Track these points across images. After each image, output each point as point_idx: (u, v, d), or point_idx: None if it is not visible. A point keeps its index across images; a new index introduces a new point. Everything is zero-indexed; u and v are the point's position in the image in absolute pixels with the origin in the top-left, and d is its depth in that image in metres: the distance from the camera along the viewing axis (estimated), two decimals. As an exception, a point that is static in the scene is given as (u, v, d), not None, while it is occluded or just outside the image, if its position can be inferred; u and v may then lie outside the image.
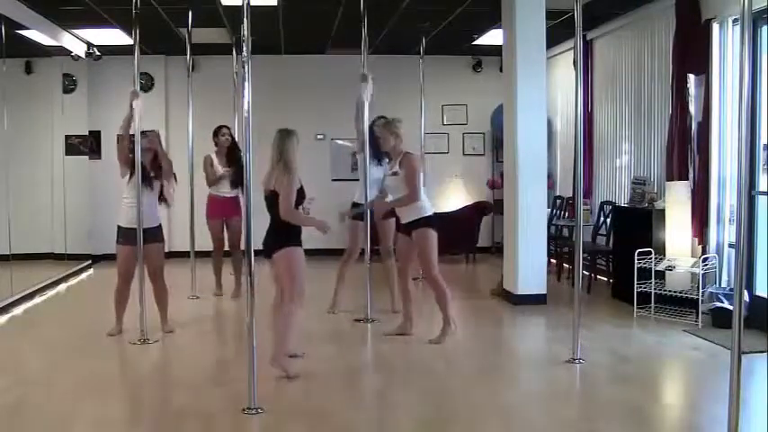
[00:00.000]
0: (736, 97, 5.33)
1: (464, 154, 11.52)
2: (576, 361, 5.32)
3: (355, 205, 7.01)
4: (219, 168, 7.70)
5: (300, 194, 5.05)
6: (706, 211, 6.75)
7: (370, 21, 6.94)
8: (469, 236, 10.56)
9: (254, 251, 4.39)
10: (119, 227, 6.12)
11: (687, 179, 6.87)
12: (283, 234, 5.02)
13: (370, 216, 6.72)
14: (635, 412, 4.40)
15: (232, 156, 7.68)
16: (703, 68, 6.73)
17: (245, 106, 4.38)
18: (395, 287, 7.14)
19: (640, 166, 8.17)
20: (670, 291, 6.68)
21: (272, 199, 4.99)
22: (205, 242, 8.12)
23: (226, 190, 7.73)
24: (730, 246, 6.59)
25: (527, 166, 7.37)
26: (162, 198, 6.24)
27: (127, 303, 6.20)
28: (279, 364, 4.93)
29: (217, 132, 7.78)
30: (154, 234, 6.13)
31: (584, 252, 6.05)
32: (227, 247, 7.86)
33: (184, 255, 8.42)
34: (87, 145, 10.14)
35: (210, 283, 7.97)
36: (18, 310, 7.33)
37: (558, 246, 9.21)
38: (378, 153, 6.76)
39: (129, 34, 6.84)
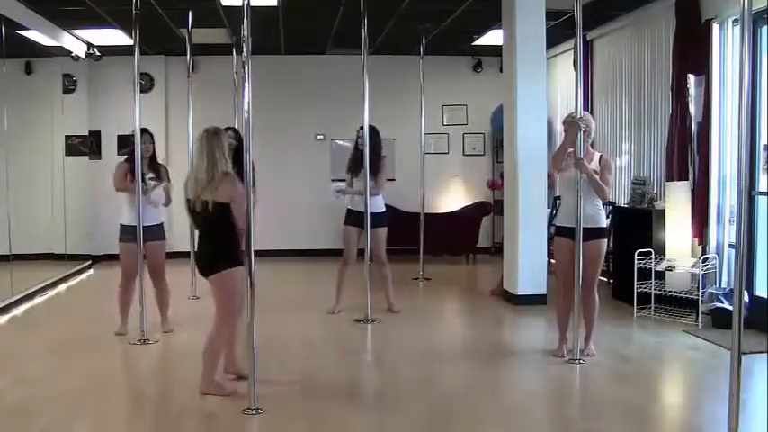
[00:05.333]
0: (736, 97, 5.32)
1: (464, 154, 11.52)
2: (576, 361, 5.32)
3: (350, 212, 7.04)
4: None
5: None
6: (706, 212, 6.75)
7: (370, 21, 6.93)
8: (469, 236, 10.57)
9: (254, 251, 4.40)
10: (121, 225, 6.13)
11: (687, 179, 6.87)
12: (222, 252, 4.60)
13: (368, 222, 6.77)
14: (635, 412, 4.40)
15: (238, 158, 7.63)
16: (703, 68, 6.73)
17: (245, 106, 4.38)
18: (390, 289, 7.18)
19: (640, 166, 8.17)
20: (670, 291, 6.68)
21: (217, 210, 4.52)
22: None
23: None
24: (730, 246, 6.59)
25: (527, 166, 7.37)
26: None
27: (131, 302, 6.19)
28: (210, 389, 4.62)
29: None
30: (155, 232, 6.14)
31: (584, 252, 6.04)
32: None
33: (184, 255, 8.41)
34: (87, 145, 10.14)
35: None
36: (18, 310, 7.33)
37: (558, 246, 9.20)
38: (357, 166, 6.84)
39: (129, 34, 6.84)
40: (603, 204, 5.63)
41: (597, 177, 5.32)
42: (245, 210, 4.44)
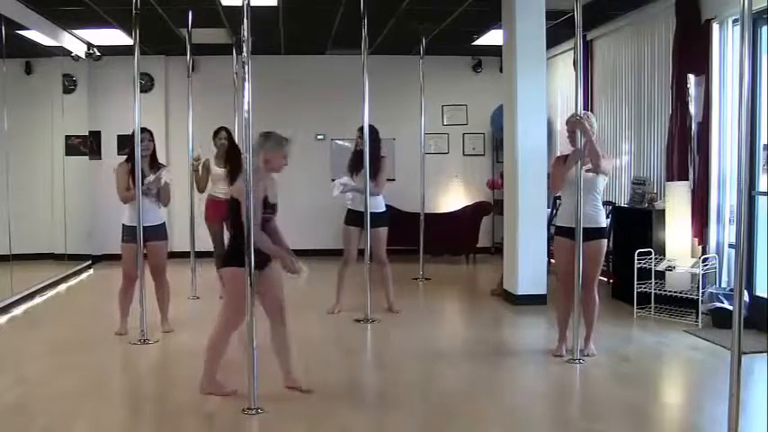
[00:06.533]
0: (736, 97, 5.32)
1: (464, 154, 11.52)
2: (576, 361, 5.32)
3: (350, 212, 7.05)
4: (217, 169, 7.69)
5: (267, 206, 4.55)
6: (706, 211, 6.75)
7: (370, 21, 6.94)
8: (469, 236, 10.57)
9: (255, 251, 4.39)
10: (123, 225, 6.11)
11: (687, 179, 6.87)
12: (234, 248, 4.50)
13: (369, 222, 6.78)
14: (635, 412, 4.40)
15: (230, 157, 7.64)
16: (703, 68, 6.73)
17: (246, 106, 4.38)
18: (390, 289, 7.18)
19: (640, 166, 8.17)
20: (670, 291, 6.68)
21: (232, 205, 4.55)
22: (205, 243, 8.10)
23: (224, 191, 7.69)
24: (730, 246, 6.59)
25: (527, 166, 7.37)
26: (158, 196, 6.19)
27: (132, 302, 6.19)
28: (210, 388, 4.62)
29: (215, 135, 7.77)
30: (157, 231, 6.13)
31: (584, 252, 6.04)
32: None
33: (184, 255, 8.42)
34: (87, 145, 10.14)
35: (210, 284, 7.94)
36: (18, 310, 7.33)
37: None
38: (357, 165, 6.85)
39: (129, 34, 6.84)
40: (603, 204, 5.64)
41: (596, 144, 5.32)
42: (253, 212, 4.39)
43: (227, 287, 4.65)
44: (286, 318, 4.74)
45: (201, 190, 7.80)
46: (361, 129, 6.86)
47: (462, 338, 6.59)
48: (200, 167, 7.72)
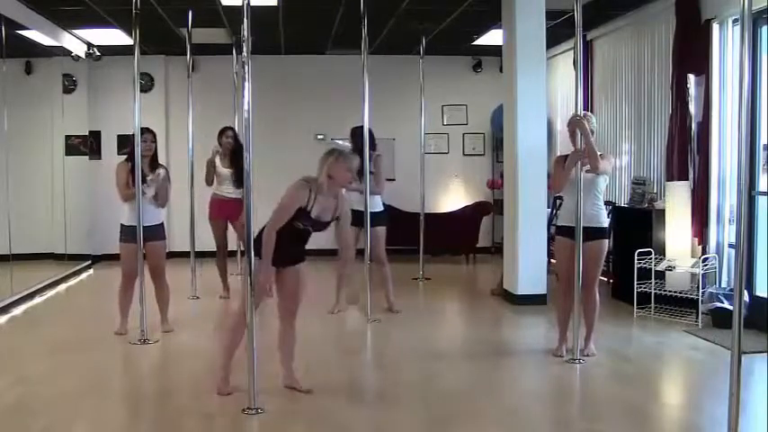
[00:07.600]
0: (736, 97, 5.32)
1: (464, 154, 11.52)
2: (576, 361, 5.32)
3: (354, 212, 7.03)
4: (223, 169, 7.70)
5: (306, 218, 4.56)
6: (706, 211, 6.75)
7: (370, 21, 6.94)
8: (469, 236, 10.57)
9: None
10: (122, 225, 6.11)
11: (687, 179, 6.87)
12: (257, 242, 4.46)
13: (369, 221, 6.78)
14: (635, 412, 4.40)
15: (235, 157, 7.65)
16: (703, 68, 6.73)
17: (246, 106, 4.38)
18: (390, 289, 7.17)
19: (640, 166, 8.17)
20: (670, 291, 6.69)
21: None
22: (205, 243, 8.11)
23: (229, 191, 7.70)
24: (730, 246, 6.59)
25: (527, 166, 7.37)
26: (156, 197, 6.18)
27: (132, 302, 6.18)
28: (217, 374, 4.70)
29: (221, 134, 7.78)
30: (155, 232, 6.13)
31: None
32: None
33: (185, 255, 8.42)
34: (87, 145, 10.14)
35: (210, 284, 7.95)
36: (18, 310, 7.33)
37: (558, 246, 9.20)
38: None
39: (129, 34, 6.84)
40: (604, 204, 5.64)
41: (594, 145, 5.31)
42: (275, 222, 4.41)
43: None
44: (295, 321, 4.75)
45: (208, 183, 7.81)
46: (352, 131, 6.88)
47: (462, 338, 6.59)
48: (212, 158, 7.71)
